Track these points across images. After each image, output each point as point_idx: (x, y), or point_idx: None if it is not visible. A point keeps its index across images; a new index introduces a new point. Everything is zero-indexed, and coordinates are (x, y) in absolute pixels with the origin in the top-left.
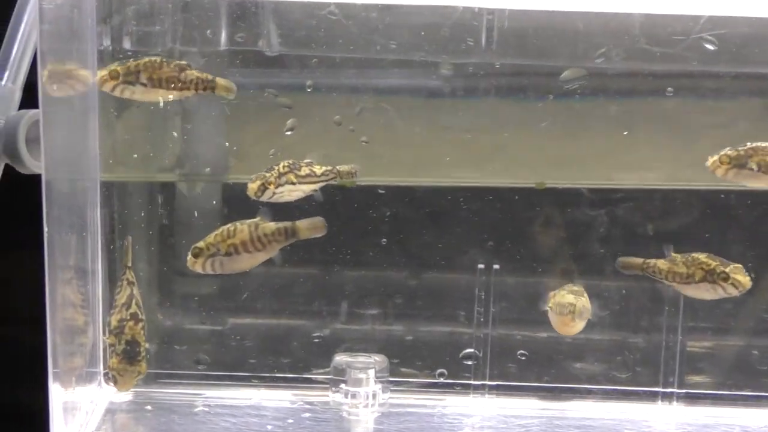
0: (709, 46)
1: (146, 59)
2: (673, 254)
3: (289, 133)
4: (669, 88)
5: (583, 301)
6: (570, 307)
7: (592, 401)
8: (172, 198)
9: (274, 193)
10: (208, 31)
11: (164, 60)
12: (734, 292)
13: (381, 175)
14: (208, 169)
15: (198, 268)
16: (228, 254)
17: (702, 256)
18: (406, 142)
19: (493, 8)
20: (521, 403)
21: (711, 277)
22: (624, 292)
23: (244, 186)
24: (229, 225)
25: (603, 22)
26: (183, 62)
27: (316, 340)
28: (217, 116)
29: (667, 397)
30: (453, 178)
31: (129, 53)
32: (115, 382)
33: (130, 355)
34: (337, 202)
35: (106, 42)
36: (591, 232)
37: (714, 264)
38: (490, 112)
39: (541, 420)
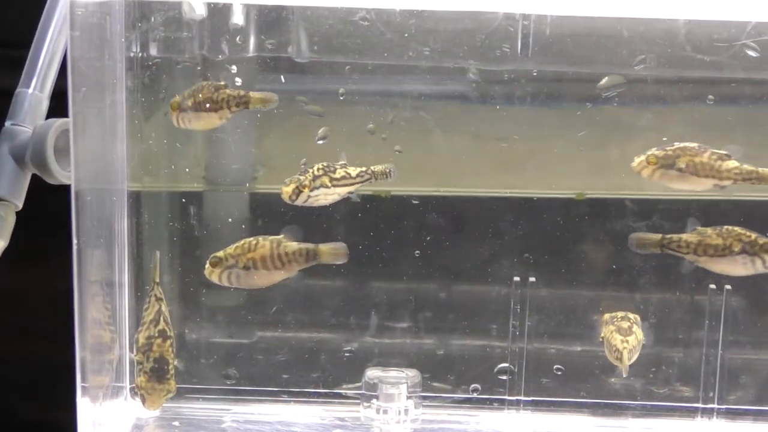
0: (752, 53)
1: (197, 85)
2: (700, 228)
3: (321, 142)
4: (710, 96)
5: (632, 344)
6: (617, 354)
7: (630, 417)
8: (200, 208)
9: (309, 197)
10: (238, 38)
11: (208, 83)
12: None
13: (414, 185)
14: (235, 179)
15: (214, 279)
16: (246, 268)
17: (737, 228)
18: (440, 151)
19: (529, 14)
20: (556, 418)
21: (752, 248)
22: (664, 304)
23: (273, 196)
24: (251, 239)
25: (641, 28)
26: (220, 83)
27: (347, 354)
28: (246, 125)
29: (707, 413)
30: (488, 187)
31: (157, 60)
32: (144, 401)
33: (158, 373)
34: (369, 212)
35: (135, 49)
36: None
37: (754, 236)
38: (526, 119)
39: None
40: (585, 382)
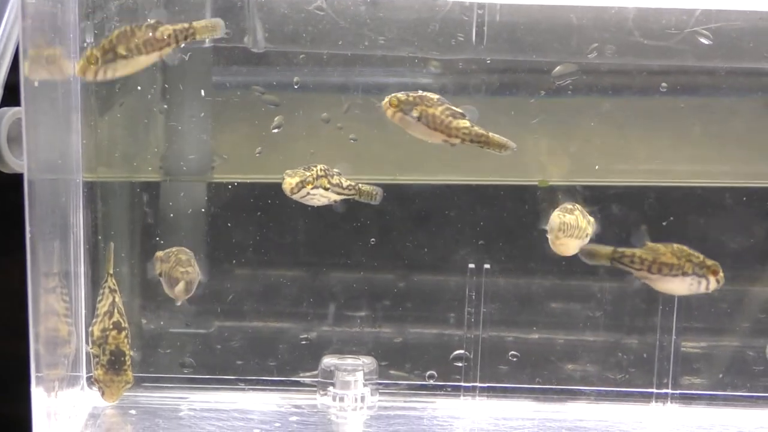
0: (704, 41)
1: (117, 31)
2: (650, 244)
3: (276, 130)
4: (663, 84)
5: (569, 218)
6: (550, 224)
7: (585, 403)
8: (156, 198)
9: (308, 194)
10: None
11: (135, 26)
12: (716, 288)
13: (369, 174)
14: (191, 168)
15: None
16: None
17: (685, 247)
18: (394, 140)
19: (484, 3)
20: (513, 405)
21: (700, 270)
22: (618, 291)
23: (230, 186)
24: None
25: (595, 15)
26: (153, 21)
27: (303, 342)
28: (202, 114)
29: (662, 398)
30: (443, 176)
31: None
32: (103, 394)
33: (115, 365)
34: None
35: (89, 39)
36: None
37: (701, 257)
38: (481, 108)
39: (532, 422)
40: (541, 369)
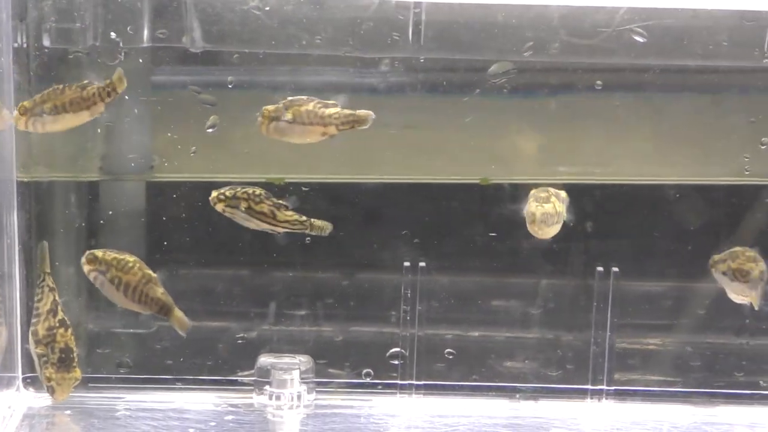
0: (639, 39)
1: (50, 89)
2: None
3: (210, 130)
4: (598, 82)
5: (547, 208)
6: (531, 216)
7: (522, 400)
8: (95, 198)
9: (224, 211)
10: (130, 28)
11: (66, 85)
12: None
13: (305, 173)
14: (130, 168)
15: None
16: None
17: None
18: (331, 139)
19: (422, 1)
20: (449, 402)
21: None
22: (554, 288)
23: (168, 185)
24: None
25: (531, 14)
26: (84, 81)
27: (240, 342)
28: (141, 114)
29: (597, 394)
30: (379, 174)
31: (46, 50)
32: (53, 392)
33: (65, 362)
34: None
35: (23, 39)
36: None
37: None
38: (416, 107)
39: (469, 419)
40: (477, 366)
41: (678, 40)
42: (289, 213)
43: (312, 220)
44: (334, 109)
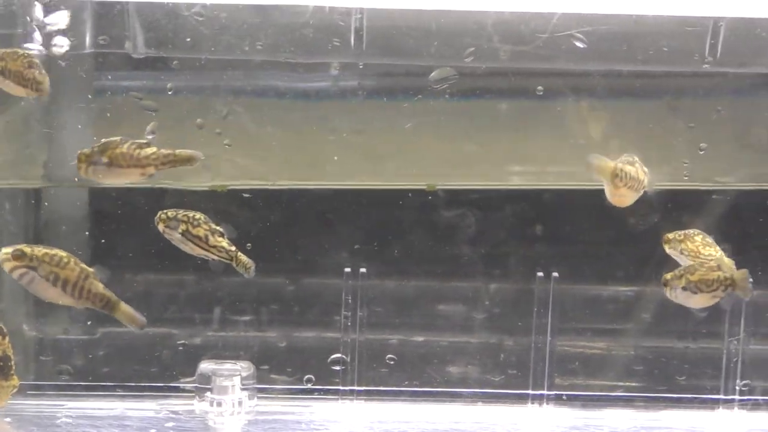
0: (579, 44)
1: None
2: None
3: (150, 136)
4: (539, 87)
5: (629, 169)
6: (612, 171)
7: (462, 404)
8: (38, 204)
9: (164, 231)
10: (71, 34)
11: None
12: None
13: (245, 179)
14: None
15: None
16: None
17: None
18: (271, 146)
19: (363, 8)
20: (390, 408)
21: None
22: (495, 293)
23: (111, 191)
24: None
25: (471, 20)
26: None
27: (181, 348)
28: (83, 120)
29: (538, 399)
30: (319, 181)
31: None
32: None
33: (3, 370)
34: (203, 206)
35: None
36: (458, 233)
37: None
38: (359, 113)
39: (409, 425)
40: (418, 371)
41: (618, 45)
42: (221, 240)
43: (239, 254)
44: (150, 149)
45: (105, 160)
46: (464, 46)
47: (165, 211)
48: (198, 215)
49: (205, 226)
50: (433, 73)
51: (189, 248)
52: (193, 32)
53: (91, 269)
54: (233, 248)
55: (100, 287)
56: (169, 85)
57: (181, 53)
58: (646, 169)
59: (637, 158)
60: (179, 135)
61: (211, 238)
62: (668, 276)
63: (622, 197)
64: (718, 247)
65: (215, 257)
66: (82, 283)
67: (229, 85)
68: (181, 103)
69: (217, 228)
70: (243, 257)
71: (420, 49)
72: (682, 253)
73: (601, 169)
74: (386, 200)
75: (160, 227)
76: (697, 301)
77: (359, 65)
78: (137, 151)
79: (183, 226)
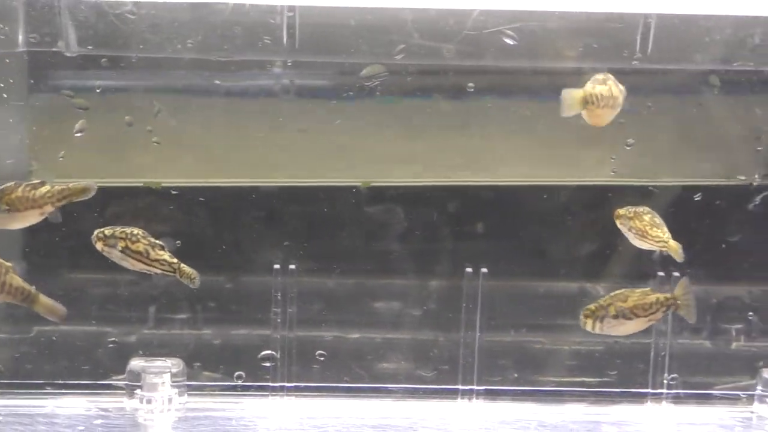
0: (509, 41)
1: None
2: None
3: (79, 134)
4: (470, 84)
5: (600, 89)
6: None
7: (393, 400)
8: None
9: (102, 249)
10: (2, 32)
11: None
12: None
13: (174, 177)
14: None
15: None
16: None
17: None
18: (201, 143)
19: (294, 5)
20: (319, 404)
21: None
22: (425, 289)
23: None
24: None
25: (402, 17)
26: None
27: (111, 345)
28: (17, 119)
29: (467, 394)
30: (248, 178)
31: None
32: None
33: None
34: (132, 202)
35: None
36: (386, 230)
37: None
38: (290, 110)
39: (338, 420)
40: (348, 367)
41: (548, 42)
42: (162, 253)
43: (182, 265)
44: (44, 188)
45: (4, 207)
46: (394, 43)
47: (101, 229)
48: (136, 230)
49: (144, 241)
50: (363, 71)
51: (130, 264)
52: (126, 30)
53: (9, 264)
54: (175, 260)
55: (18, 281)
56: (99, 83)
57: (114, 51)
58: (621, 87)
59: (610, 75)
60: (110, 133)
61: (151, 252)
62: (592, 307)
63: (599, 117)
64: (665, 229)
65: (158, 271)
66: (2, 278)
67: (161, 84)
68: (113, 101)
69: (157, 242)
70: (186, 268)
71: (352, 46)
72: (630, 231)
73: (573, 103)
74: (317, 197)
75: (99, 246)
76: (630, 328)
77: (291, 63)
78: (32, 192)
79: (122, 243)
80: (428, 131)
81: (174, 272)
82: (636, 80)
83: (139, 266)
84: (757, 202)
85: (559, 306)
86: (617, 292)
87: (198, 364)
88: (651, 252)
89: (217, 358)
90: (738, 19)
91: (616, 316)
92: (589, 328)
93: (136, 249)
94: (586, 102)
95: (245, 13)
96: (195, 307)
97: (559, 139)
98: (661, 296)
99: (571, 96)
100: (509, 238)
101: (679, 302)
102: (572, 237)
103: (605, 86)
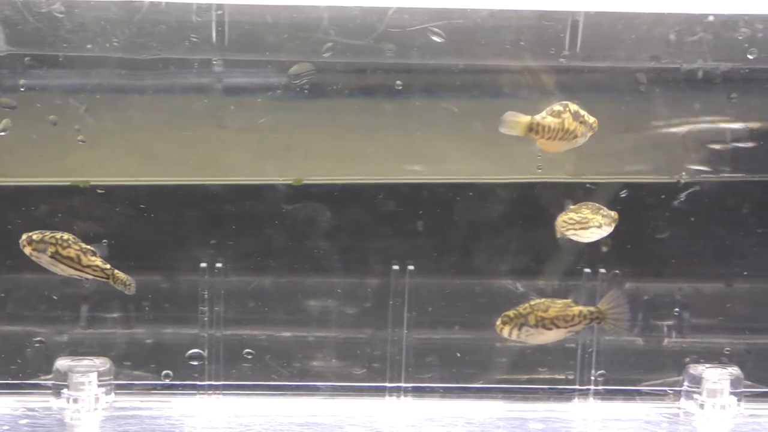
0: (436, 39)
1: None
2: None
3: (2, 134)
4: (398, 82)
5: (549, 121)
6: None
7: (321, 398)
8: None
9: (31, 254)
10: None
11: None
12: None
13: (100, 175)
14: None
15: None
16: None
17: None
18: (128, 142)
19: (223, 3)
20: (247, 402)
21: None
22: (353, 287)
23: None
24: None
25: (328, 15)
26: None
27: (37, 345)
28: None
29: (395, 391)
30: (175, 177)
31: None
32: None
33: None
34: (58, 202)
35: None
36: (316, 228)
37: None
38: (219, 108)
39: (265, 419)
40: (277, 366)
41: (475, 40)
42: (94, 259)
43: (116, 271)
44: None
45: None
46: (322, 41)
47: (29, 233)
48: (66, 235)
49: (75, 246)
50: (291, 68)
51: (60, 270)
52: (53, 29)
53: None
54: (108, 266)
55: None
56: (21, 82)
57: (42, 50)
58: (589, 120)
59: (571, 107)
60: (36, 132)
61: (83, 258)
62: (511, 314)
63: (549, 146)
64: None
65: (90, 277)
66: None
67: (88, 83)
68: (40, 100)
69: (89, 247)
70: (120, 274)
71: (280, 44)
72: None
73: (515, 127)
74: (245, 195)
75: (27, 251)
76: (548, 338)
77: (221, 61)
78: None
79: (52, 249)
80: (356, 129)
81: (107, 278)
82: (565, 78)
83: (69, 272)
84: (682, 199)
85: (486, 303)
86: (539, 301)
87: (128, 363)
88: (579, 249)
89: (146, 357)
90: (664, 16)
91: (535, 326)
92: (506, 334)
93: (68, 254)
94: (530, 130)
95: (174, 12)
96: (125, 307)
97: (486, 136)
98: (584, 309)
99: (515, 120)
100: (437, 235)
101: (604, 317)
102: (500, 234)
103: (557, 119)
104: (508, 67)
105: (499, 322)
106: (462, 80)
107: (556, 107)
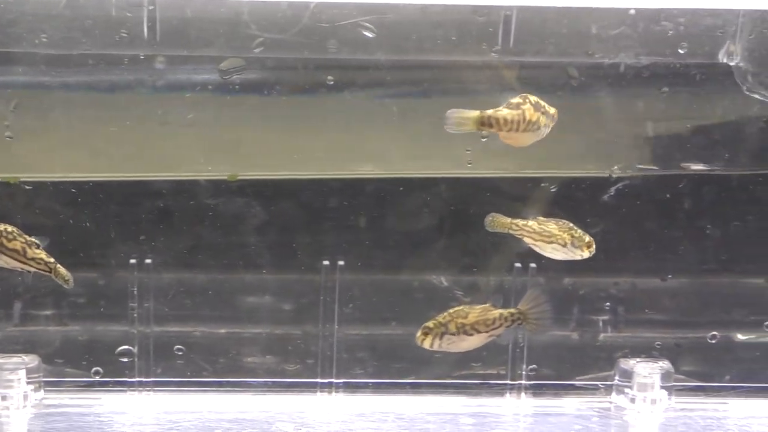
0: (368, 34)
1: None
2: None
3: None
4: (329, 77)
5: (505, 113)
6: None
7: (252, 394)
8: None
9: None
10: None
11: None
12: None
13: (27, 172)
14: None
15: None
16: None
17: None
18: (57, 138)
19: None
20: (177, 398)
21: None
22: (284, 283)
23: None
24: None
25: (259, 11)
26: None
27: None
28: None
29: (326, 387)
30: (103, 173)
31: None
32: None
33: None
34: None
35: None
36: (246, 223)
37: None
38: (150, 104)
39: (194, 415)
40: (207, 362)
41: (406, 35)
42: (39, 251)
43: (58, 265)
44: None
45: None
46: (253, 36)
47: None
48: (10, 228)
49: (20, 239)
50: (222, 63)
51: (3, 262)
52: None
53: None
54: (52, 260)
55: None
56: None
57: None
58: (550, 111)
59: (532, 99)
60: None
61: (28, 250)
62: (430, 324)
63: (513, 140)
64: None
65: (33, 269)
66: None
67: (19, 79)
68: None
69: (33, 240)
70: (62, 269)
71: (211, 40)
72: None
73: (463, 123)
74: (175, 190)
75: None
76: (471, 344)
77: (151, 56)
78: None
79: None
80: (288, 124)
81: (50, 272)
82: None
83: (13, 264)
84: (612, 194)
85: (418, 298)
86: (457, 308)
87: (58, 360)
88: (509, 243)
89: (76, 353)
90: (597, 11)
91: (456, 333)
92: (427, 345)
93: (13, 247)
94: (482, 124)
95: (107, 8)
96: (55, 304)
97: (418, 132)
98: (505, 311)
99: (462, 116)
100: (367, 230)
101: (525, 317)
102: (431, 229)
103: (517, 111)
104: (438, 62)
105: (419, 333)
106: (394, 76)
107: (515, 100)
